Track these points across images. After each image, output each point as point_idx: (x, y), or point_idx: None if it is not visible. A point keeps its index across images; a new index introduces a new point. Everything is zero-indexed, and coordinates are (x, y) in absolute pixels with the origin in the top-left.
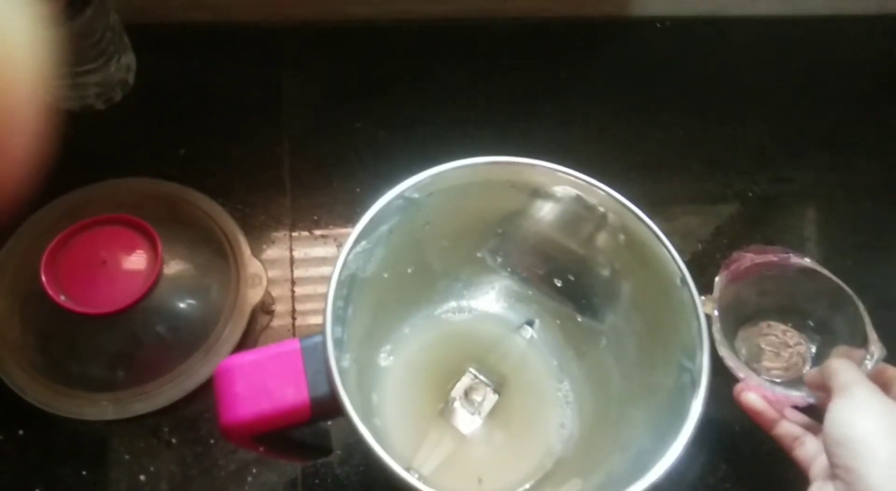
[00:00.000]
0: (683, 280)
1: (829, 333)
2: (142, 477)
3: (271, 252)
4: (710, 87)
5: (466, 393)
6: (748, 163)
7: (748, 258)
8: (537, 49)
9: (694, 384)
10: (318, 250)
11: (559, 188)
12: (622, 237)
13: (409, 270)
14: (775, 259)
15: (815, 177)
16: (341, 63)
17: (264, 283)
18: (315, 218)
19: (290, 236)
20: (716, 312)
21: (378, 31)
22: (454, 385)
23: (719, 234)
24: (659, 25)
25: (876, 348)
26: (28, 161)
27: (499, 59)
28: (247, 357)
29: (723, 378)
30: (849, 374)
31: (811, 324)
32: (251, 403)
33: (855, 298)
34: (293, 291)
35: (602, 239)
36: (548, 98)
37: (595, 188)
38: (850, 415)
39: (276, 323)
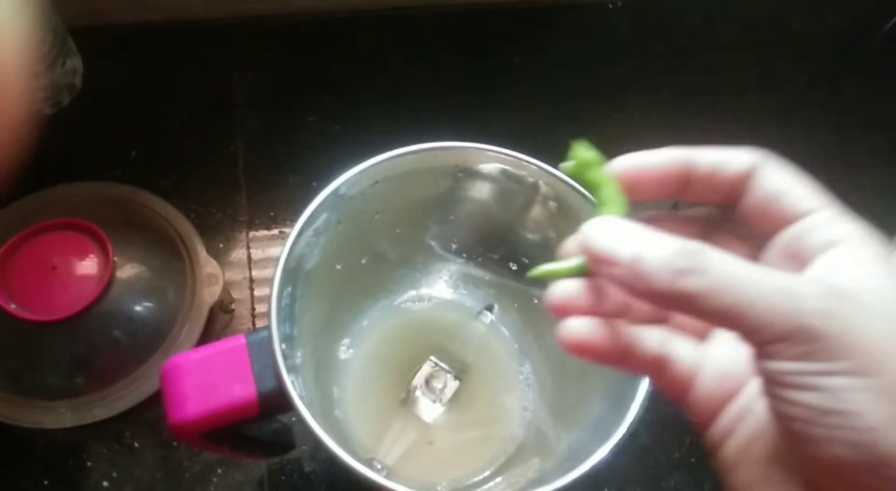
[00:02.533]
0: None
1: None
2: (105, 483)
3: (229, 251)
4: (664, 66)
5: (427, 381)
6: (705, 140)
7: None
8: (491, 36)
9: None
10: (276, 246)
11: (493, 167)
12: (558, 210)
13: (364, 261)
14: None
15: (771, 152)
16: (293, 58)
17: (221, 282)
18: (272, 214)
19: (248, 234)
20: None
21: (329, 24)
22: (415, 374)
23: (677, 210)
24: (610, 6)
25: None
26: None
27: (453, 47)
28: (192, 355)
29: None
30: None
31: None
32: (198, 400)
33: None
34: (252, 289)
35: (549, 219)
36: (503, 84)
37: (526, 163)
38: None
39: (236, 321)
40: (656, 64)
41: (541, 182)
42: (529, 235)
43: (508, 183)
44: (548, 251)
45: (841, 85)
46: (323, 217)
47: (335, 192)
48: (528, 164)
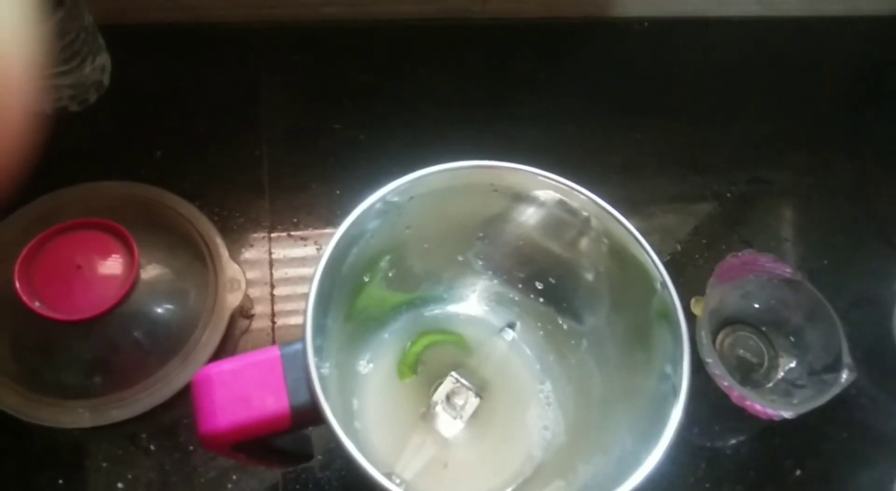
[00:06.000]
0: (664, 284)
1: (803, 345)
2: (120, 485)
3: (250, 255)
4: (689, 89)
5: (448, 397)
6: (726, 164)
7: (738, 261)
8: (516, 50)
9: (675, 391)
10: (298, 252)
11: (541, 192)
12: (605, 242)
13: (391, 274)
14: (766, 265)
15: (792, 178)
16: (320, 64)
17: (243, 287)
18: (294, 220)
19: (269, 239)
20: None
21: (356, 33)
22: (436, 389)
23: (697, 234)
24: (637, 27)
25: (848, 371)
26: (14, 161)
27: (478, 61)
28: (225, 365)
29: (703, 377)
30: None
31: (786, 334)
32: (230, 411)
33: (834, 315)
34: (272, 294)
35: (585, 243)
36: (526, 99)
37: (576, 192)
38: None
39: (255, 326)
40: (680, 86)
41: (592, 217)
42: (582, 273)
43: (556, 210)
44: (595, 286)
45: (864, 114)
46: (360, 228)
47: (376, 203)
48: (579, 195)
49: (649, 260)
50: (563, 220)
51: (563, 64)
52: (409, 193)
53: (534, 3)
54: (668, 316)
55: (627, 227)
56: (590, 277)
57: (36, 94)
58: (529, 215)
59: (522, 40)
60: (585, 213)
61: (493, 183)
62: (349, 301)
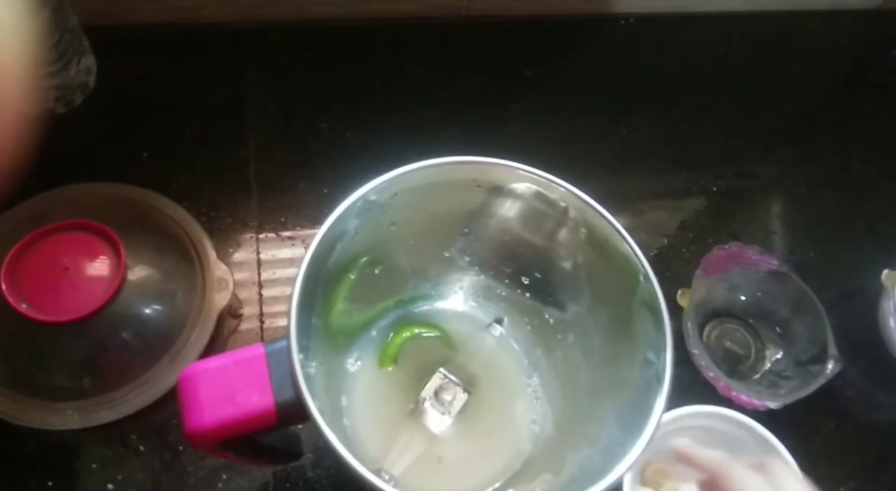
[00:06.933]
0: (646, 276)
1: (789, 337)
2: (110, 486)
3: (238, 255)
4: (674, 84)
5: (437, 393)
6: (712, 158)
7: (725, 253)
8: (503, 48)
9: (658, 378)
10: (286, 252)
11: (522, 186)
12: (583, 231)
13: (377, 271)
14: (752, 257)
15: (778, 171)
16: (306, 64)
17: (231, 287)
18: (282, 220)
19: (257, 238)
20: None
21: (343, 32)
22: (424, 385)
23: (685, 228)
24: (623, 22)
25: (834, 362)
26: (5, 163)
27: (465, 59)
28: (210, 363)
29: (690, 369)
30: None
31: (773, 325)
32: (216, 409)
33: (821, 307)
34: (261, 294)
35: (564, 234)
36: (514, 97)
37: (555, 184)
38: None
39: (244, 326)
40: (666, 81)
41: (571, 208)
42: (562, 264)
43: (535, 203)
44: (576, 277)
45: (851, 107)
46: (342, 227)
47: (357, 202)
48: (558, 187)
49: (630, 250)
50: (543, 212)
51: (550, 61)
52: (392, 190)
53: (520, 1)
54: (650, 304)
55: (608, 219)
56: (568, 266)
57: (27, 95)
58: (511, 209)
59: (510, 38)
60: (563, 204)
61: (476, 178)
62: (334, 299)
